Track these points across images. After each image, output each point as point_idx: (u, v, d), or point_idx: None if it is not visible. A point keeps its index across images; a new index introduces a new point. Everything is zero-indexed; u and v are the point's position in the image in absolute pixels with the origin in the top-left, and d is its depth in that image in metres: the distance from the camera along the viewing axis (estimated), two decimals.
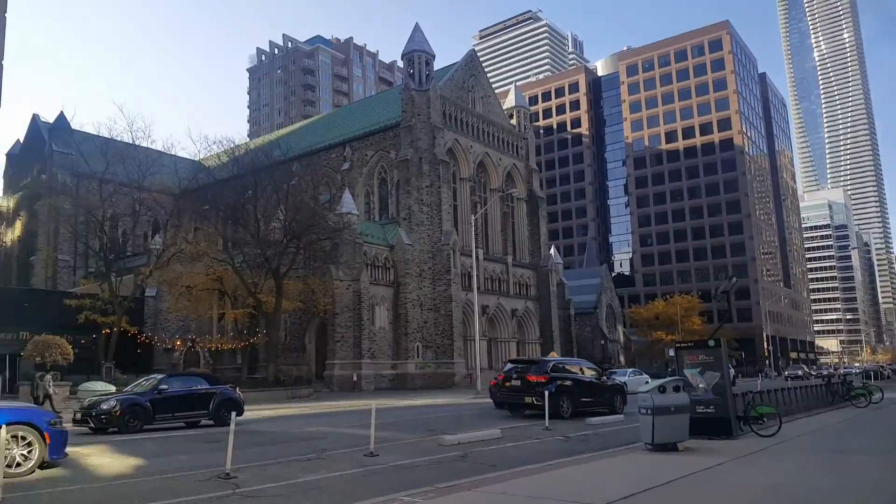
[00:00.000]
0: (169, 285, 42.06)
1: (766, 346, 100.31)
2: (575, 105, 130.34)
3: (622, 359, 72.46)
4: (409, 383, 46.00)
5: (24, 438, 9.83)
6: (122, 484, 9.61)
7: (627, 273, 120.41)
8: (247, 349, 41.13)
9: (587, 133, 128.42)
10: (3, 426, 8.43)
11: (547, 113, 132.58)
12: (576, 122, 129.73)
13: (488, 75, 70.71)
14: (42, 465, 10.15)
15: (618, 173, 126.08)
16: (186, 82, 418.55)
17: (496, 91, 68.63)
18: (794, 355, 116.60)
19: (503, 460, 11.24)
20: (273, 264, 36.72)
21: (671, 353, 17.77)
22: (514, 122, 63.33)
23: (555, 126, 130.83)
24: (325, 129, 65.47)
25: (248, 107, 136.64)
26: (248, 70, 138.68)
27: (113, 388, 25.20)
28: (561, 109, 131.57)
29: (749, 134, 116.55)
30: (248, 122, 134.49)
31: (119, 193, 43.06)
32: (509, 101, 65.74)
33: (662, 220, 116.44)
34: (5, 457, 8.73)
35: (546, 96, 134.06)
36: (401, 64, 60.55)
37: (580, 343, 68.62)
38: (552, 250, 64.02)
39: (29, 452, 9.88)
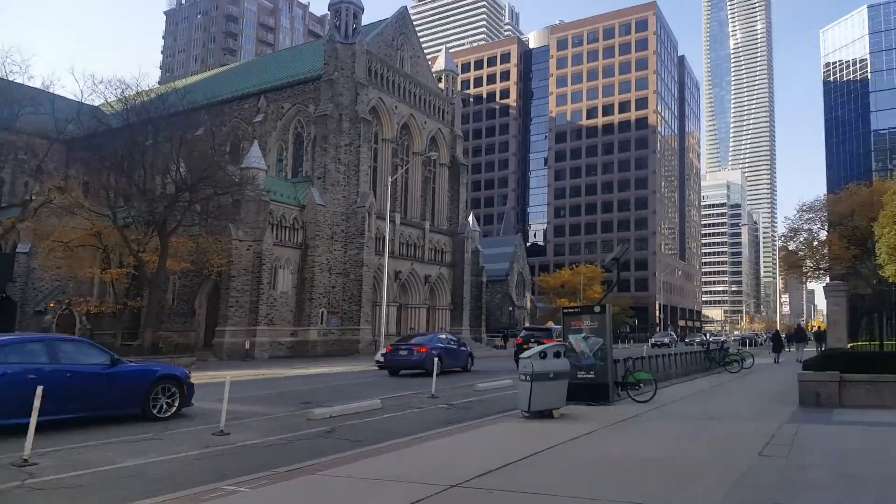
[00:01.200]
0: (41, 240, 38.10)
1: (657, 314, 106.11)
2: (505, 76, 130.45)
3: (527, 324, 74.26)
4: (311, 351, 44.43)
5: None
6: None
7: (541, 243, 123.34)
8: (122, 312, 38.07)
9: (515, 105, 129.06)
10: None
11: (478, 82, 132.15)
12: (505, 93, 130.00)
13: (422, 39, 68.94)
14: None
15: (540, 146, 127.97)
16: (93, 24, 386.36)
17: (428, 56, 67.02)
18: (682, 323, 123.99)
19: (373, 434, 10.65)
20: (159, 219, 33.85)
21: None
22: (442, 86, 62.04)
23: (484, 95, 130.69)
24: (240, 78, 61.49)
25: (162, 52, 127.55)
26: (165, 13, 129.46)
27: None
28: (491, 79, 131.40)
29: (663, 114, 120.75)
30: (161, 68, 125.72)
31: None
32: (439, 65, 64.27)
33: (576, 194, 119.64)
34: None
35: (478, 65, 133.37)
36: None
37: (490, 310, 69.62)
38: (471, 218, 63.94)
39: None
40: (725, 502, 5.98)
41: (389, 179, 46.36)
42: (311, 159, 50.21)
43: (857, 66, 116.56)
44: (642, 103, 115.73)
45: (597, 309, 14.57)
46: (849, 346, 16.69)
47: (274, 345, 43.08)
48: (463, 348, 27.44)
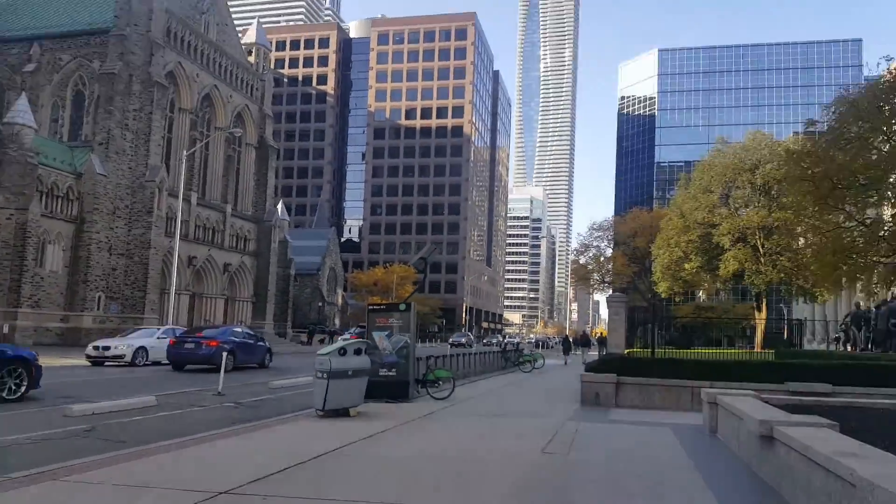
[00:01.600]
0: None
1: (464, 316, 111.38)
2: (324, 61, 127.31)
3: (337, 321, 73.28)
4: (84, 339, 38.99)
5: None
6: None
7: (356, 239, 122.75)
8: None
9: (333, 93, 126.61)
10: None
11: (294, 63, 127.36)
12: (323, 79, 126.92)
13: (233, 10, 64.53)
14: None
15: (359, 139, 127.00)
16: None
17: (239, 29, 62.84)
18: (485, 325, 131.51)
19: (141, 435, 9.35)
20: None
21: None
22: (252, 60, 58.62)
23: (300, 78, 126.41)
24: (9, 16, 52.75)
25: None
26: None
27: None
28: (309, 62, 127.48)
29: (478, 125, 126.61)
30: None
31: None
32: (249, 37, 60.66)
33: (394, 193, 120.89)
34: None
35: (295, 45, 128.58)
36: None
37: (298, 304, 67.45)
38: (279, 205, 61.30)
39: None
40: (507, 502, 5.90)
41: (185, 153, 42.66)
42: (92, 122, 44.61)
43: (647, 102, 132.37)
44: (459, 112, 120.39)
45: (402, 307, 14.48)
46: (626, 351, 18.33)
47: (40, 330, 37.63)
48: (261, 343, 25.96)
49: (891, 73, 26.34)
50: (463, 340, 63.46)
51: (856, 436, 6.02)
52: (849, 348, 21.05)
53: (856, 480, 4.11)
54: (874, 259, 25.93)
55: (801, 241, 35.51)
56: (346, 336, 38.40)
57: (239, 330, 26.01)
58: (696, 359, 15.44)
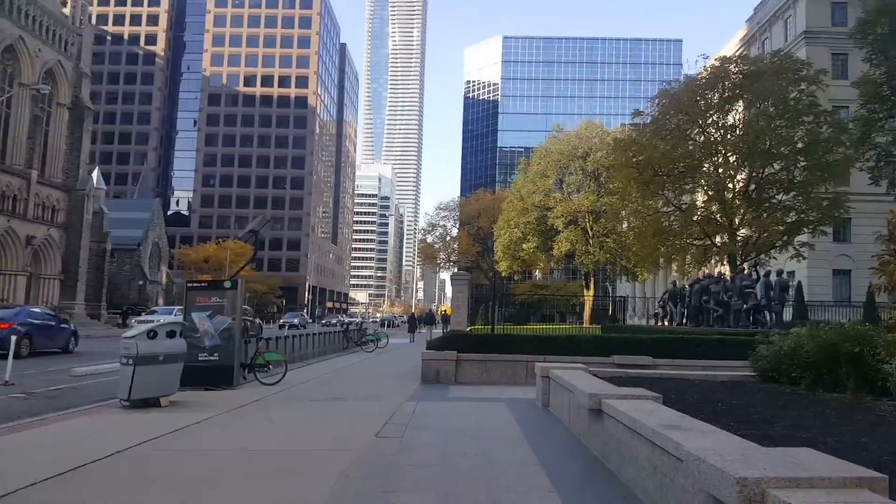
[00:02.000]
0: None
1: (307, 295, 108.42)
2: (153, 20, 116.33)
3: (161, 301, 67.67)
4: None
5: None
6: None
7: (185, 212, 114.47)
8: None
9: (163, 54, 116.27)
10: None
11: (119, 19, 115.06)
12: (151, 39, 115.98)
13: None
14: None
15: (190, 105, 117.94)
16: None
17: None
18: (331, 304, 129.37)
19: None
20: None
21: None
22: (67, 12, 51.52)
23: (126, 37, 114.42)
24: None
25: None
26: None
27: None
28: (136, 20, 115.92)
29: (323, 98, 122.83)
30: None
31: None
32: None
33: (229, 163, 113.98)
34: None
35: (121, 0, 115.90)
36: None
37: (116, 283, 61.38)
38: (95, 172, 54.97)
39: None
40: (330, 498, 5.27)
41: None
42: None
43: (491, 87, 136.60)
44: (303, 82, 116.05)
45: (227, 284, 13.28)
46: (468, 328, 18.42)
47: None
48: (65, 326, 23.10)
49: (707, 70, 28.95)
50: (295, 321, 57.90)
51: (676, 406, 6.19)
52: (666, 323, 22.91)
53: (683, 455, 4.03)
54: (688, 241, 28.60)
55: (625, 224, 38.37)
56: (167, 316, 34.76)
57: (38, 311, 22.87)
58: (532, 334, 15.80)
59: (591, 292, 54.87)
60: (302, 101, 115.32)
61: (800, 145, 26.49)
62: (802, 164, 26.60)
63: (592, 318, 43.51)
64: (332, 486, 5.59)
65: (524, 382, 13.45)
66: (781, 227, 26.76)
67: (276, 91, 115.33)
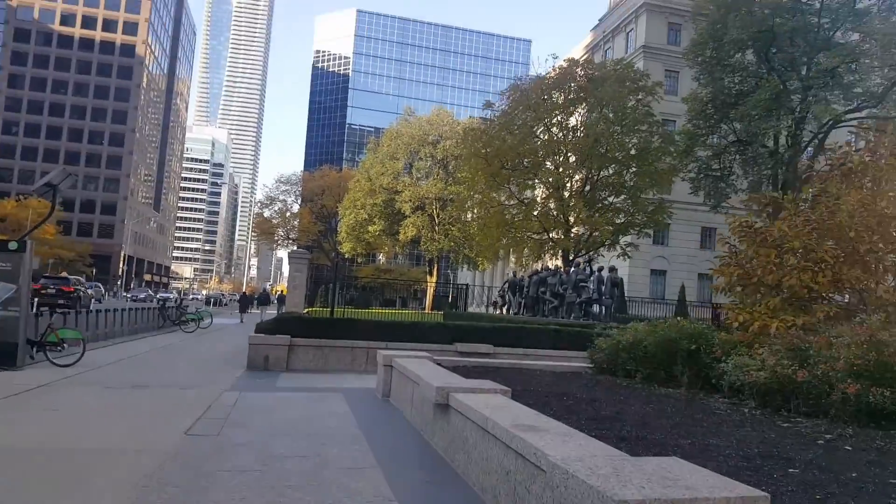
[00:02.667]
0: None
1: (122, 266, 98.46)
2: None
3: None
4: None
5: None
6: None
7: None
8: None
9: None
10: None
11: None
12: None
13: None
14: None
15: None
16: None
17: None
18: (149, 277, 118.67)
19: None
20: None
21: None
22: None
23: None
24: None
25: None
26: None
27: None
28: None
29: (154, 48, 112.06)
30: None
31: None
32: None
33: (37, 111, 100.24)
34: None
35: None
36: None
37: None
38: None
39: None
40: None
41: None
42: None
43: (342, 61, 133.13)
44: (132, 28, 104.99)
45: (13, 245, 11.28)
46: (305, 310, 17.23)
47: None
48: None
49: (555, 70, 30.00)
50: (91, 292, 40.81)
51: (525, 401, 6.00)
52: (505, 311, 23.40)
53: (546, 466, 3.61)
54: (528, 234, 29.58)
55: (470, 214, 39.04)
56: None
57: None
58: (374, 319, 15.09)
59: (434, 279, 55.57)
60: (129, 50, 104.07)
61: (633, 152, 28.40)
62: (633, 169, 28.55)
63: (434, 305, 43.91)
64: (122, 500, 4.48)
65: (364, 370, 12.75)
66: (611, 228, 28.55)
67: (99, 35, 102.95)
